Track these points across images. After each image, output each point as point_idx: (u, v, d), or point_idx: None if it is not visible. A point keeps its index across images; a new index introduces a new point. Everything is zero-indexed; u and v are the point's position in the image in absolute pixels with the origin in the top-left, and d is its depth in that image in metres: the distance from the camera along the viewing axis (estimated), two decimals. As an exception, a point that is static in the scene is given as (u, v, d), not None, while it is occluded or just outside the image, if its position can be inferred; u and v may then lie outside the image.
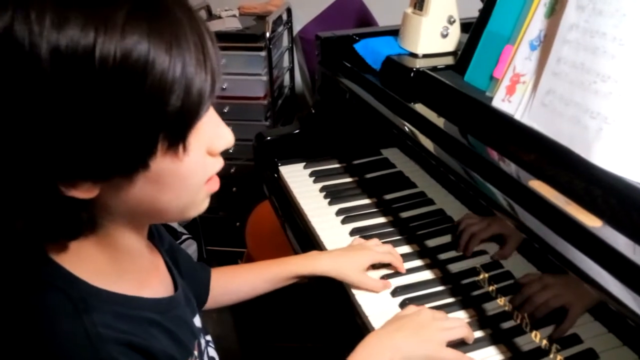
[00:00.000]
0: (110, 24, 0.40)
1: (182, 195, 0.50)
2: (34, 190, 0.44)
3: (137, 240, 0.54)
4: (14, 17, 0.39)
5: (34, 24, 0.39)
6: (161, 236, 0.66)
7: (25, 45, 0.39)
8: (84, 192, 0.44)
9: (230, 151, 1.81)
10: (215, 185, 0.52)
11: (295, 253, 0.94)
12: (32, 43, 0.39)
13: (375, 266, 0.84)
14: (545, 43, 0.71)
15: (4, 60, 0.39)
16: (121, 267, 0.53)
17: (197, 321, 0.64)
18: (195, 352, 0.59)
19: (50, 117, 0.40)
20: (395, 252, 0.85)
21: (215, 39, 0.47)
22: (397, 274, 0.83)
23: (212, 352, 0.66)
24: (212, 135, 0.49)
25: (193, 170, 0.48)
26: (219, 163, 0.51)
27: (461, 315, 0.75)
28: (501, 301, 0.71)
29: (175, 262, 0.68)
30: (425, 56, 0.98)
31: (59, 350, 0.46)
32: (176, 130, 0.44)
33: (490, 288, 0.73)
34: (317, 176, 1.10)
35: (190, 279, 0.72)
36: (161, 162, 0.45)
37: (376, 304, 0.78)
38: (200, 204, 0.52)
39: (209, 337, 0.67)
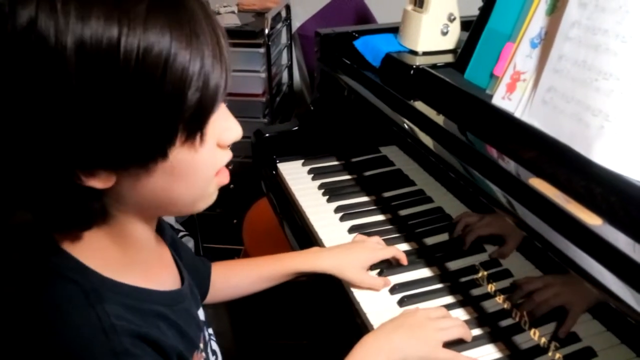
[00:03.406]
0: (132, 17, 0.41)
1: (194, 186, 0.50)
2: (52, 178, 0.44)
3: (147, 232, 0.54)
4: (38, 7, 0.39)
5: (59, 15, 0.39)
6: (163, 230, 0.66)
7: (51, 37, 0.39)
8: (102, 182, 0.45)
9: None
10: (225, 178, 0.53)
11: (293, 250, 0.94)
12: (57, 35, 0.39)
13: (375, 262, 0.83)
14: (546, 40, 0.71)
15: (28, 51, 0.40)
16: (130, 259, 0.53)
17: (201, 314, 0.64)
18: (201, 345, 0.60)
19: (73, 107, 0.41)
20: (397, 249, 0.84)
21: (226, 34, 0.48)
22: (396, 270, 0.83)
23: (215, 345, 0.66)
24: (222, 128, 0.50)
25: (206, 162, 0.49)
26: (227, 155, 0.52)
27: (460, 313, 0.75)
28: (500, 299, 0.71)
29: (178, 256, 0.68)
30: (425, 54, 0.98)
31: (73, 341, 0.46)
32: (194, 122, 0.45)
33: (489, 286, 0.73)
34: (316, 173, 1.09)
35: (192, 273, 0.72)
36: (178, 153, 0.46)
37: (375, 302, 0.78)
38: (209, 197, 0.53)
39: (211, 330, 0.67)
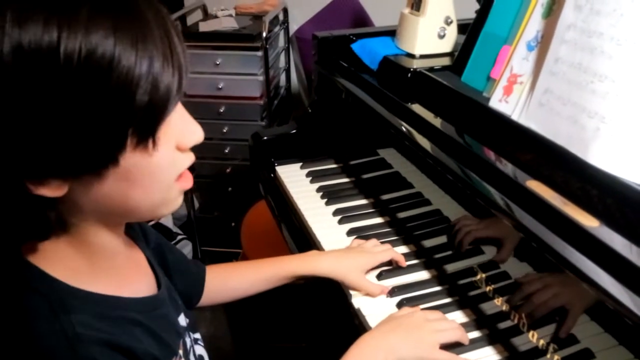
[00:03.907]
0: (73, 21, 0.40)
1: (152, 192, 0.49)
2: (2, 189, 0.43)
3: (113, 239, 0.53)
4: None
5: None
6: (146, 235, 0.66)
7: None
8: (53, 190, 0.44)
9: (226, 151, 1.81)
10: (187, 182, 0.52)
11: (292, 254, 0.94)
12: None
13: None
14: (543, 43, 0.71)
15: None
16: (98, 266, 0.52)
17: (182, 320, 0.63)
18: (180, 351, 0.59)
19: (16, 114, 0.40)
20: (395, 251, 0.85)
21: (182, 35, 0.47)
22: (394, 273, 0.83)
23: (201, 350, 0.66)
24: (182, 131, 0.49)
25: (163, 166, 0.48)
26: (189, 158, 0.51)
27: (458, 316, 0.75)
28: (498, 301, 0.71)
29: (163, 261, 0.67)
30: (422, 57, 0.98)
31: (38, 352, 0.46)
32: (145, 125, 0.45)
33: (487, 288, 0.73)
34: (314, 176, 1.09)
35: (183, 277, 0.72)
36: (131, 158, 0.45)
37: (373, 305, 0.78)
38: (172, 202, 0.52)
39: (197, 335, 0.66)
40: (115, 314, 0.51)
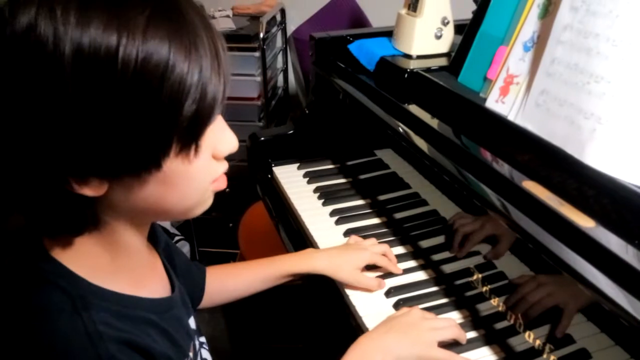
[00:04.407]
0: (132, 27, 0.41)
1: (188, 196, 0.50)
2: (45, 184, 0.44)
3: (138, 239, 0.54)
4: (38, 12, 0.39)
5: (58, 21, 0.39)
6: (157, 235, 0.66)
7: (49, 43, 0.39)
8: (94, 190, 0.45)
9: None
10: (222, 183, 0.53)
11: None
12: (55, 40, 0.39)
13: (369, 267, 0.83)
14: (539, 44, 0.71)
15: (26, 55, 0.40)
16: (119, 265, 0.53)
17: (192, 322, 0.64)
18: (190, 354, 0.59)
19: (68, 114, 0.41)
20: (391, 253, 0.85)
21: (226, 45, 0.48)
22: (392, 274, 0.83)
23: (206, 353, 0.66)
24: (218, 139, 0.50)
25: (200, 173, 0.49)
26: (223, 166, 0.52)
27: (455, 316, 0.75)
28: (495, 301, 0.71)
29: (171, 262, 0.67)
30: (419, 57, 0.98)
31: (59, 348, 0.46)
32: (190, 133, 0.45)
33: (484, 288, 0.73)
34: (311, 177, 1.09)
35: (186, 279, 0.72)
36: (172, 164, 0.46)
37: (370, 305, 0.78)
38: (205, 202, 0.53)
39: (203, 339, 0.67)
40: (133, 313, 0.51)
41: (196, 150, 0.47)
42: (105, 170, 0.44)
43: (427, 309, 0.74)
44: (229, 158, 0.53)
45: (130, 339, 0.48)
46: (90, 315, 0.47)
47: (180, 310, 0.60)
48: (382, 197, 0.99)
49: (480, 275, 0.73)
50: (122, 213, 0.50)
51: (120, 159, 0.43)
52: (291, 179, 1.10)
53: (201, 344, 0.66)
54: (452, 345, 0.69)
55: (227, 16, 1.92)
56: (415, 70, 0.92)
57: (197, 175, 0.49)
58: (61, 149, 0.42)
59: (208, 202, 0.53)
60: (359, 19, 1.73)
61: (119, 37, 0.40)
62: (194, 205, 0.52)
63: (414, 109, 0.87)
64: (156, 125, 0.43)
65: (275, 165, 1.14)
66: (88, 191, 0.45)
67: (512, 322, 0.67)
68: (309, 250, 0.85)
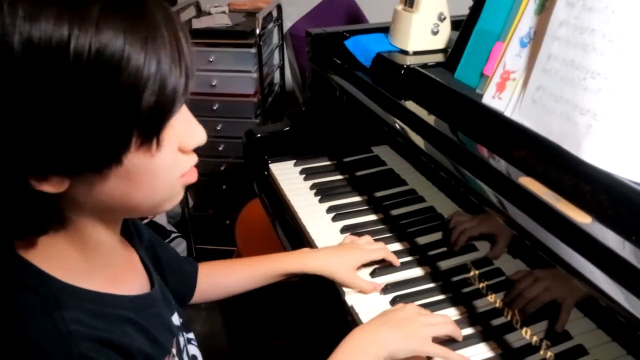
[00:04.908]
0: (84, 18, 0.40)
1: (154, 191, 0.49)
2: (3, 182, 0.43)
3: (109, 236, 0.53)
4: None
5: (5, 15, 0.39)
6: (139, 232, 0.66)
7: None
8: (54, 186, 0.44)
9: (220, 149, 1.81)
10: (192, 177, 0.52)
11: (286, 251, 0.94)
12: (3, 35, 0.39)
13: (366, 263, 0.83)
14: (536, 40, 0.71)
15: None
16: (93, 263, 0.52)
17: (176, 319, 0.63)
18: (174, 350, 0.59)
19: (22, 109, 0.40)
20: (387, 249, 0.85)
21: (190, 37, 0.47)
22: (388, 270, 0.83)
23: (194, 349, 0.66)
24: (184, 133, 0.49)
25: (165, 167, 0.48)
26: (192, 159, 0.51)
27: (452, 312, 0.75)
28: (491, 298, 0.71)
29: (155, 259, 0.67)
30: (416, 53, 0.98)
31: (31, 348, 0.45)
32: (150, 126, 0.44)
33: (481, 285, 0.73)
34: (308, 174, 1.09)
35: (175, 274, 0.72)
36: (134, 158, 0.45)
37: (367, 302, 0.78)
38: (175, 197, 0.52)
39: (191, 335, 0.66)
40: (108, 311, 0.50)
41: (158, 144, 0.46)
42: (65, 167, 0.43)
43: (424, 306, 0.74)
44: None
45: (105, 336, 0.48)
46: (62, 315, 0.46)
47: (161, 307, 0.59)
48: (378, 194, 0.99)
49: (477, 272, 0.73)
50: (87, 210, 0.49)
51: (78, 154, 0.42)
52: (288, 176, 1.10)
53: (188, 340, 0.65)
54: (449, 342, 0.69)
55: (223, 12, 1.91)
56: (411, 66, 0.91)
57: (162, 169, 0.48)
58: (17, 146, 0.41)
59: (178, 197, 0.52)
60: (355, 15, 1.73)
61: (71, 28, 0.39)
62: (162, 200, 0.51)
63: (410, 105, 0.87)
64: (113, 118, 0.42)
65: (272, 162, 1.14)
66: (48, 188, 0.44)
67: (509, 318, 0.67)
68: (305, 250, 0.85)
